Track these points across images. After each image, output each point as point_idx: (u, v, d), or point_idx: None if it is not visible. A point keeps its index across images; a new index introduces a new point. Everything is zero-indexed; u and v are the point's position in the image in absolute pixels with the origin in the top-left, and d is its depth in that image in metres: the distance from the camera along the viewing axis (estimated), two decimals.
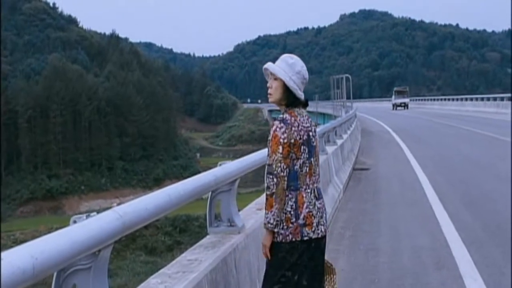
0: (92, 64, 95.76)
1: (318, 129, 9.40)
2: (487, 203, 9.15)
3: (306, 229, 3.05)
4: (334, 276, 3.31)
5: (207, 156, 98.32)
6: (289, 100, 3.12)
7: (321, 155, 9.03)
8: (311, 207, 3.08)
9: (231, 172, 4.15)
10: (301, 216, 3.05)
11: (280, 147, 3.00)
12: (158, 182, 76.08)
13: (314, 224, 3.08)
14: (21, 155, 73.57)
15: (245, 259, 4.02)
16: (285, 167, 2.99)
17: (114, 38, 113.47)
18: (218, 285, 3.40)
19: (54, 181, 72.18)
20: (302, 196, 3.07)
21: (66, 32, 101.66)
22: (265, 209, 3.06)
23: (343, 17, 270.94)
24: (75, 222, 2.23)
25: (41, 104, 75.52)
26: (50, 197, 70.67)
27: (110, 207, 2.65)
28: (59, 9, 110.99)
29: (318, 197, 3.14)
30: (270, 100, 3.18)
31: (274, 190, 3.00)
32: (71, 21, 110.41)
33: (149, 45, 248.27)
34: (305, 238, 3.05)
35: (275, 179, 2.99)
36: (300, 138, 3.06)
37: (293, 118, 3.08)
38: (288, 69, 3.09)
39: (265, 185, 3.07)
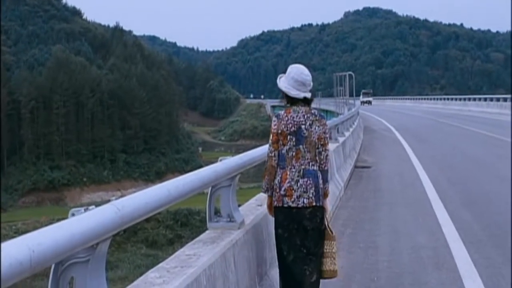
0: (95, 56, 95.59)
1: None
2: (488, 203, 9.16)
3: (286, 199, 3.90)
4: (334, 242, 4.06)
5: (209, 151, 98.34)
6: (287, 100, 4.03)
7: None
8: (292, 183, 3.89)
9: (231, 167, 4.17)
10: (283, 188, 3.91)
11: (271, 135, 3.97)
12: (160, 176, 76.10)
13: (294, 196, 3.89)
14: (23, 146, 73.60)
15: (245, 254, 4.02)
16: (273, 149, 3.96)
17: (118, 30, 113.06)
18: (217, 280, 3.39)
19: (56, 172, 72.29)
20: (286, 174, 3.92)
21: (70, 24, 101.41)
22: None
23: (347, 14, 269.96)
24: (73, 215, 2.23)
25: (44, 95, 75.50)
26: (52, 188, 70.77)
27: (110, 200, 2.65)
28: (63, 1, 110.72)
29: (303, 176, 3.90)
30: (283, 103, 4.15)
31: (266, 166, 4.00)
32: (75, 12, 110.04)
33: (152, 38, 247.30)
34: (285, 205, 3.90)
35: (267, 158, 3.99)
36: (287, 130, 3.91)
37: (285, 114, 3.96)
38: (285, 77, 4.03)
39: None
